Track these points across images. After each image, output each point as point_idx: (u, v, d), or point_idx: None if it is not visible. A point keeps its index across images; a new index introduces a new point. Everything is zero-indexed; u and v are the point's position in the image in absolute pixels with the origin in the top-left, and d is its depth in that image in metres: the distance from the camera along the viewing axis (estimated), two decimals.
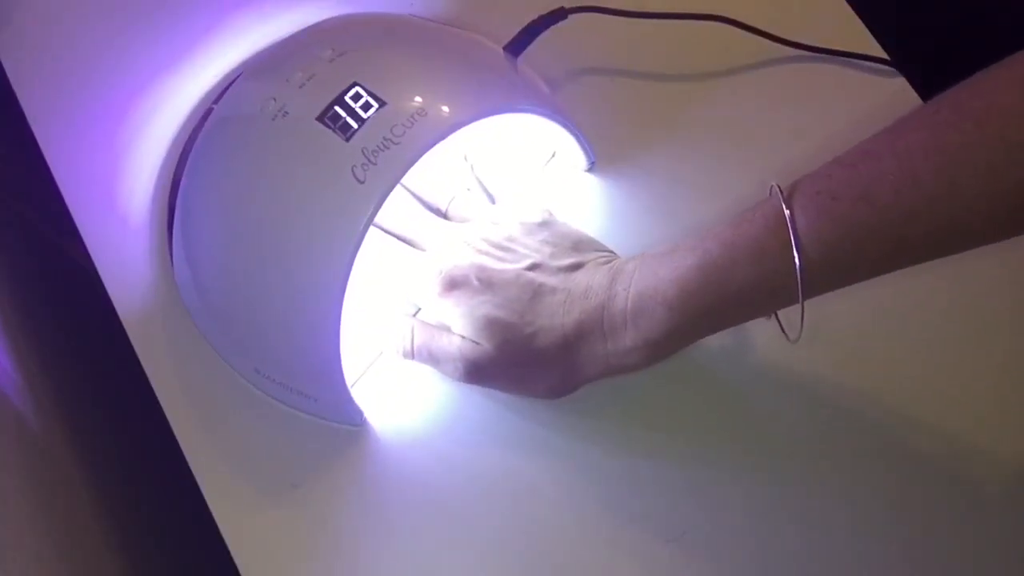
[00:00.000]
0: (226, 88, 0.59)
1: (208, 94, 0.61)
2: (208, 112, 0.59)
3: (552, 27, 0.59)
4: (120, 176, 0.60)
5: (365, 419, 0.56)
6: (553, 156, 0.61)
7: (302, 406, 0.55)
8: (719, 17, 0.61)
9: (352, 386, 0.55)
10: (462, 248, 0.55)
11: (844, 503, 0.54)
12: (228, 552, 0.54)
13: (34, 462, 0.56)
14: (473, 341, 0.53)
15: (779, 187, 0.46)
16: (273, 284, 0.51)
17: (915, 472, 0.55)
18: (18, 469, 0.53)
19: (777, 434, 0.56)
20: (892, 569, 0.53)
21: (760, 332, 0.57)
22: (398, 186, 0.49)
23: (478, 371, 0.54)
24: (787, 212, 0.45)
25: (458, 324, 0.53)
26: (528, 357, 0.52)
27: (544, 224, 0.56)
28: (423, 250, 0.57)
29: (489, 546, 0.54)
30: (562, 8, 0.59)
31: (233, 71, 0.61)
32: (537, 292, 0.52)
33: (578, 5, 0.60)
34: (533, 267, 0.53)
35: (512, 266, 0.53)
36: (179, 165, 0.59)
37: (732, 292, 0.47)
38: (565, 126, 0.56)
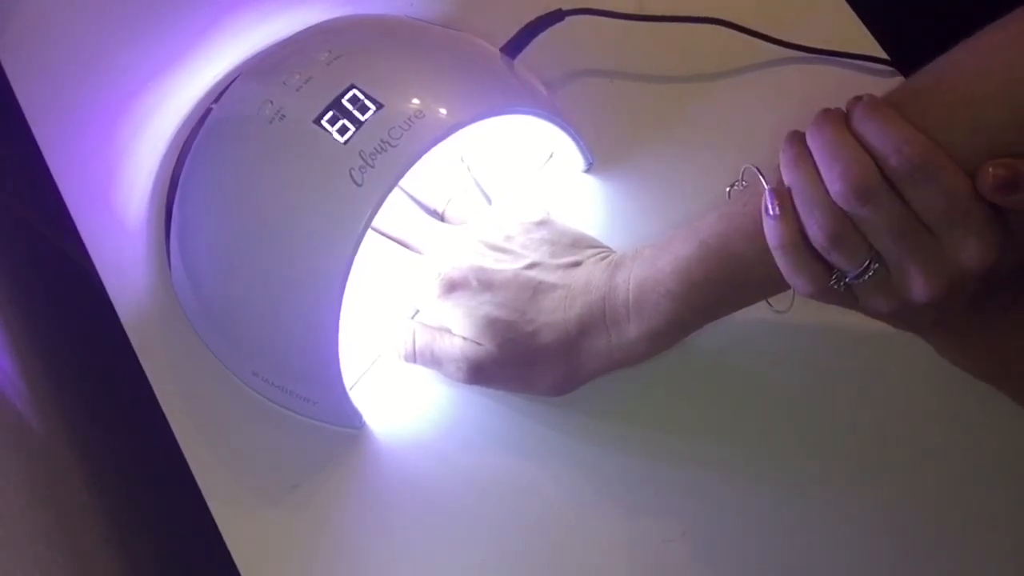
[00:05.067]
0: (224, 89, 0.59)
1: (206, 95, 0.61)
2: (206, 113, 0.59)
3: (549, 29, 0.59)
4: (119, 177, 0.60)
5: (364, 422, 0.56)
6: (551, 157, 0.61)
7: (301, 409, 0.55)
8: (717, 20, 0.61)
9: (351, 389, 0.55)
10: (460, 250, 0.55)
11: (844, 502, 0.54)
12: (228, 552, 0.54)
13: (34, 462, 0.56)
14: (474, 342, 0.53)
15: (756, 168, 0.46)
16: (271, 288, 0.51)
17: (917, 472, 0.55)
18: (18, 469, 0.53)
19: (777, 434, 0.56)
20: (893, 568, 0.53)
21: (760, 333, 0.57)
22: (395, 189, 0.49)
23: (481, 371, 0.54)
24: (768, 187, 0.45)
25: (459, 325, 0.54)
26: (531, 355, 0.52)
27: (541, 223, 0.56)
28: (421, 253, 0.57)
29: (488, 546, 0.54)
30: (559, 10, 0.59)
31: (231, 72, 0.61)
32: (537, 290, 0.52)
33: (575, 7, 0.59)
34: (532, 266, 0.53)
35: (510, 266, 0.53)
36: (177, 166, 0.59)
37: (738, 281, 0.48)
38: (562, 127, 0.56)
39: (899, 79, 0.61)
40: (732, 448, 0.55)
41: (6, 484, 0.51)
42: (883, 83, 0.62)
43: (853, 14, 0.63)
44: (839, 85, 0.62)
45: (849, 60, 0.62)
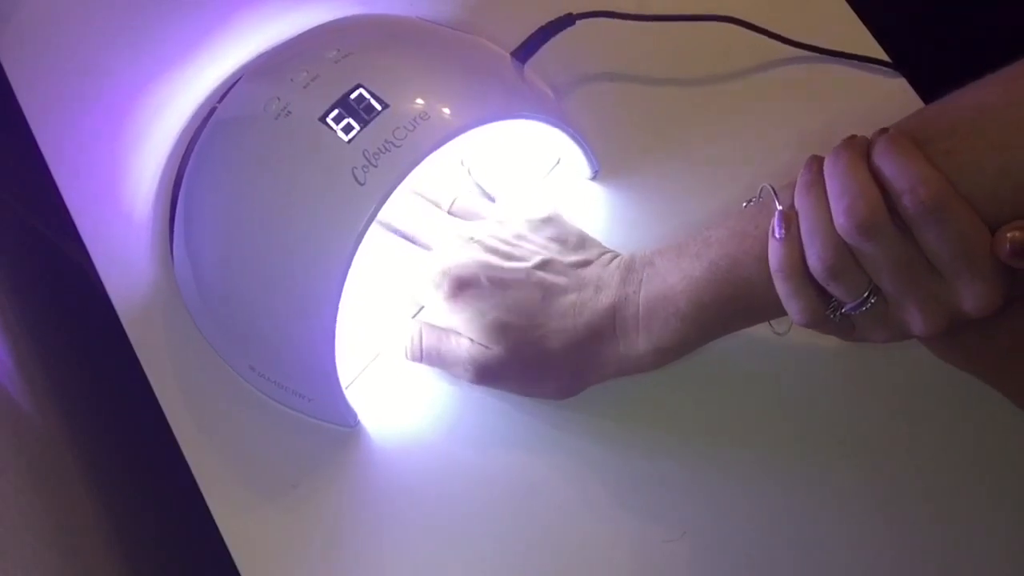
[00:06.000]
0: (230, 87, 0.59)
1: (212, 93, 0.61)
2: (212, 111, 0.59)
3: (560, 33, 0.58)
4: (121, 175, 0.60)
5: (359, 421, 0.56)
6: (557, 163, 0.61)
7: (297, 406, 0.55)
8: (726, 18, 0.60)
9: (347, 388, 0.55)
10: (469, 246, 0.54)
11: (844, 503, 0.54)
12: (228, 552, 0.54)
13: (34, 461, 0.56)
14: (483, 344, 0.53)
15: (772, 188, 0.46)
16: (271, 283, 0.51)
17: (916, 471, 0.55)
18: (18, 469, 0.53)
19: (778, 435, 0.56)
20: (893, 568, 0.53)
21: (762, 334, 0.57)
22: (403, 185, 0.49)
23: (488, 373, 0.54)
24: (778, 209, 0.45)
25: (467, 327, 0.53)
26: (539, 359, 0.52)
27: (549, 220, 0.56)
28: (429, 249, 0.57)
29: (487, 546, 0.54)
30: (570, 14, 0.58)
31: (238, 70, 0.61)
32: (548, 292, 0.52)
33: (586, 10, 0.59)
34: (542, 265, 0.53)
35: (521, 264, 0.53)
36: (182, 163, 0.59)
37: (744, 303, 0.48)
38: (569, 134, 0.56)
39: (900, 79, 0.61)
40: (733, 448, 0.56)
41: (6, 484, 0.51)
42: (884, 83, 0.61)
43: (854, 15, 0.63)
44: (842, 85, 0.62)
45: (851, 61, 0.62)
